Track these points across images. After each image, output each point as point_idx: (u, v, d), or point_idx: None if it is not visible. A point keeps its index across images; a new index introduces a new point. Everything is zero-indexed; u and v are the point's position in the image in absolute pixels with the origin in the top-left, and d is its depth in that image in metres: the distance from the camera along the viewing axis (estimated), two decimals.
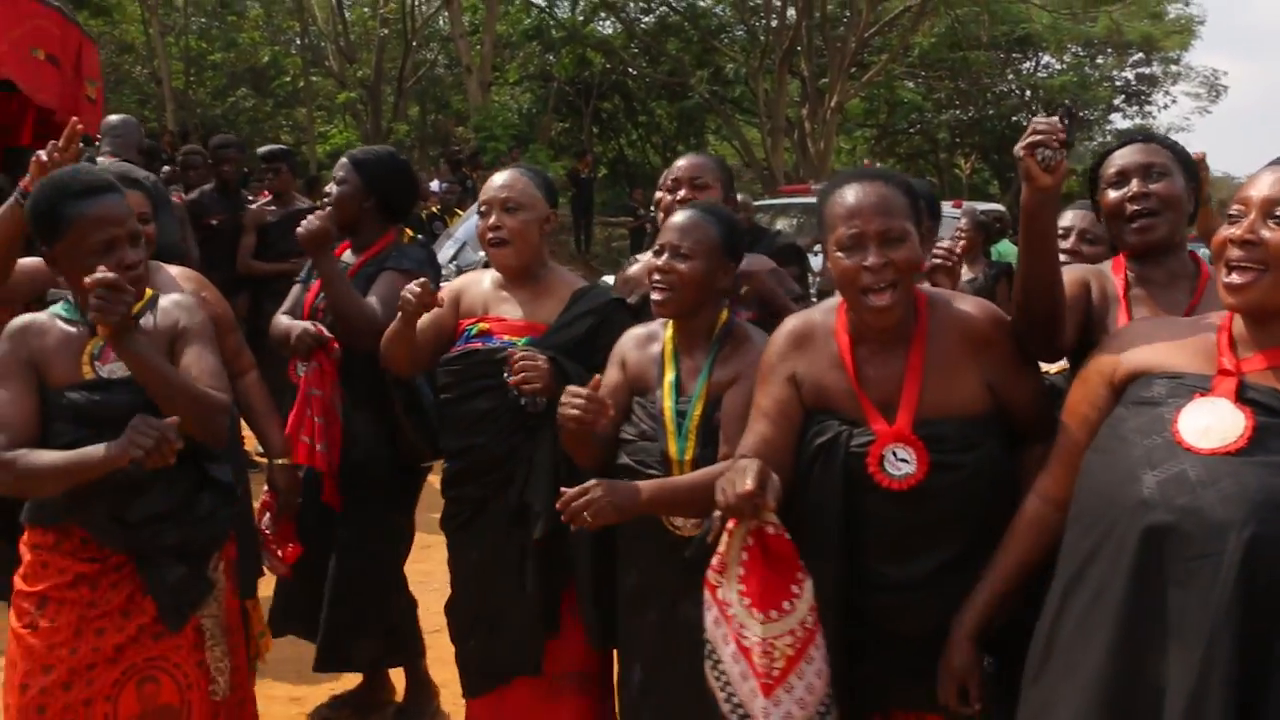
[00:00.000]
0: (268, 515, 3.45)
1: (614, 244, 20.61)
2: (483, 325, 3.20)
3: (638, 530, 2.76)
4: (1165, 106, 32.55)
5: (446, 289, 3.33)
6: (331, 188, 3.77)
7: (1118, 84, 30.40)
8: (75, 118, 3.16)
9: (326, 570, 3.58)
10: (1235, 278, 1.94)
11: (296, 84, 26.97)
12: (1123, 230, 2.57)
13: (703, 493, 2.45)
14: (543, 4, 25.07)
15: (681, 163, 3.49)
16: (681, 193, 3.36)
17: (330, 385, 3.57)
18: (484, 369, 3.12)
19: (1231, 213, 1.99)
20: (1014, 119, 30.29)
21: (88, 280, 2.35)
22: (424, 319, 3.16)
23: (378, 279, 3.60)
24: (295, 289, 3.89)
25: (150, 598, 2.57)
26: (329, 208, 3.70)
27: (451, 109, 26.90)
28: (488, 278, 3.33)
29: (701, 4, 25.56)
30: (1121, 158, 2.61)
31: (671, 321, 2.84)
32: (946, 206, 15.57)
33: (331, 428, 3.55)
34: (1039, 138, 2.13)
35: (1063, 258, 3.20)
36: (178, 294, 2.84)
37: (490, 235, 3.20)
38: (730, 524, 2.24)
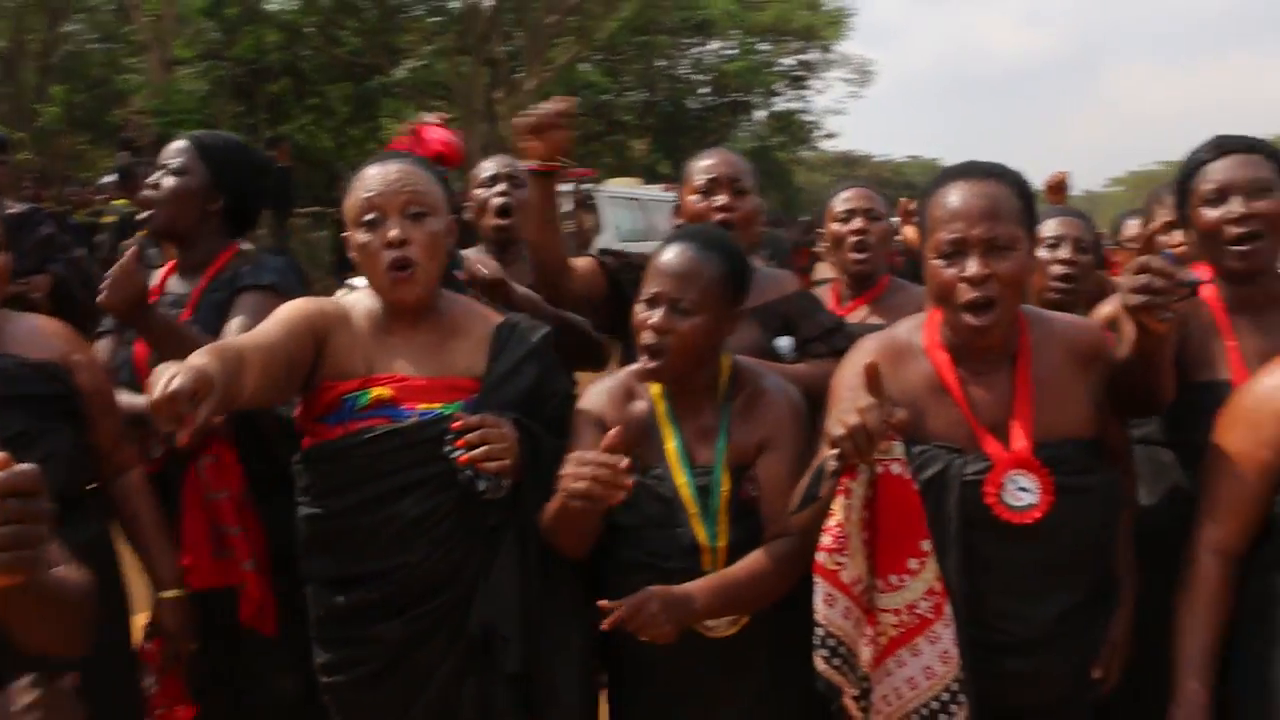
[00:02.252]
0: (150, 671, 2.61)
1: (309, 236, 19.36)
2: (379, 392, 2.29)
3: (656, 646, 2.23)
4: (821, 91, 34.71)
5: (302, 312, 2.35)
6: (162, 179, 2.86)
7: (778, 70, 31.93)
8: None
9: None
10: None
11: None
12: (1222, 253, 2.37)
13: (763, 584, 2.15)
14: None
15: (712, 160, 2.92)
16: (720, 198, 2.84)
17: (237, 480, 2.69)
18: (408, 457, 2.24)
19: None
20: (684, 101, 31.43)
21: None
22: (271, 348, 2.19)
23: (234, 304, 2.73)
24: (102, 344, 2.90)
25: None
26: (154, 207, 2.85)
27: (113, 87, 24.33)
28: (361, 313, 2.39)
29: None
30: (1221, 171, 2.39)
31: None
32: (657, 189, 15.91)
33: (254, 534, 2.69)
34: (1159, 301, 1.91)
35: (1060, 269, 3.21)
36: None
37: (390, 256, 2.27)
38: (844, 480, 1.94)
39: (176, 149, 2.91)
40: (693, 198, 2.89)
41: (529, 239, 2.84)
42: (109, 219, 9.10)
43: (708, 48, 30.89)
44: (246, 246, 2.99)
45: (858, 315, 3.20)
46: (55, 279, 4.53)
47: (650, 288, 2.29)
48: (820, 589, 2.00)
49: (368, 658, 2.30)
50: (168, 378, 1.76)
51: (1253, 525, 2.07)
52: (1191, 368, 2.37)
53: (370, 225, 2.29)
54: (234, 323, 2.66)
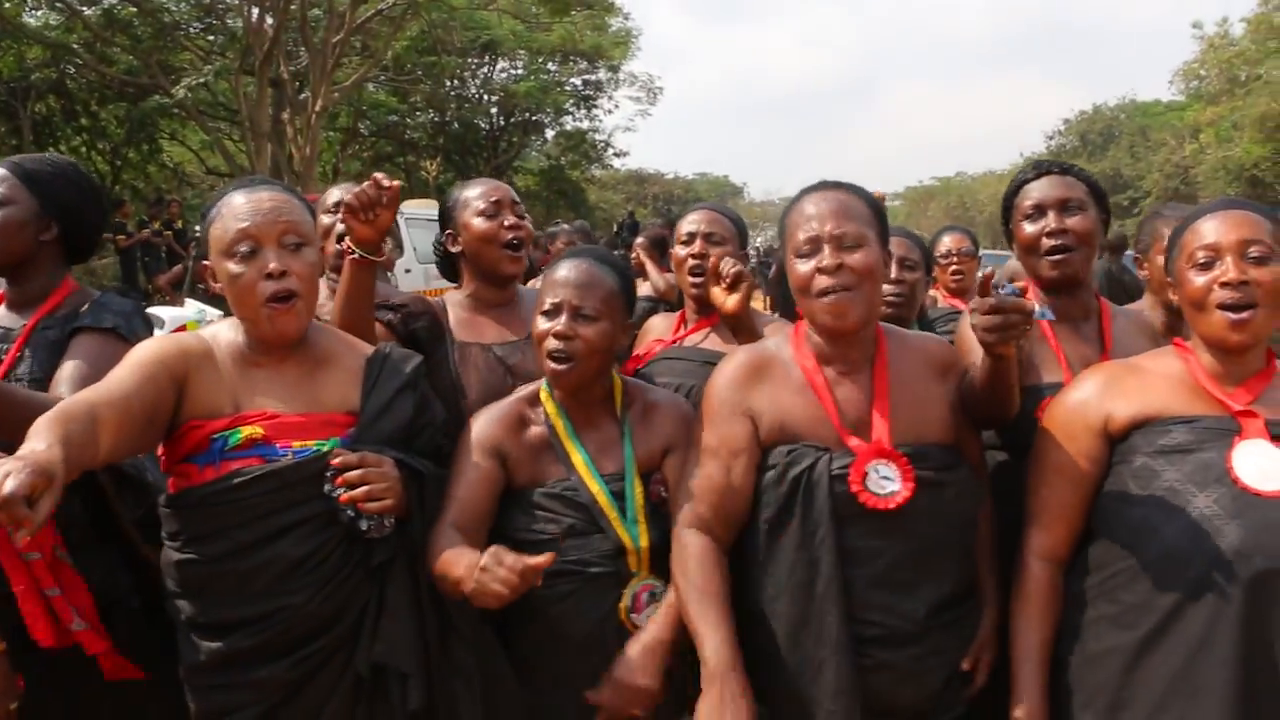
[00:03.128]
0: None
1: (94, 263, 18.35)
2: (251, 431, 2.18)
3: (587, 641, 2.33)
4: (610, 111, 35.13)
5: (158, 354, 2.20)
6: None
7: (567, 89, 32.24)
8: None
9: None
10: (1233, 316, 2.06)
11: None
12: (1038, 265, 2.61)
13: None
14: None
15: (695, 215, 3.23)
16: (696, 246, 3.13)
17: (49, 541, 2.42)
18: (287, 497, 2.15)
19: (1201, 261, 2.10)
20: (475, 121, 31.33)
21: None
22: (127, 396, 2.05)
23: (70, 346, 2.49)
24: None
25: None
26: None
27: None
28: (224, 347, 2.28)
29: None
30: (1038, 190, 2.63)
31: (550, 394, 2.47)
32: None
33: (74, 591, 2.45)
34: (1015, 333, 2.06)
35: (889, 288, 3.35)
36: None
37: (270, 289, 2.18)
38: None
39: None
40: (680, 251, 3.18)
41: (337, 324, 2.62)
42: None
43: (496, 68, 30.98)
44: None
45: (696, 338, 3.23)
46: None
47: (549, 299, 2.39)
48: None
49: (249, 702, 2.19)
50: (0, 476, 1.59)
51: (1075, 531, 2.23)
52: (1024, 373, 2.50)
53: (245, 257, 2.19)
54: (66, 369, 2.43)
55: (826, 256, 2.17)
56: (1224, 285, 2.07)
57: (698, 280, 3.09)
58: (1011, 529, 2.36)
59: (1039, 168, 2.70)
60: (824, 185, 2.30)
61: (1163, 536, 2.04)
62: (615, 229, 14.99)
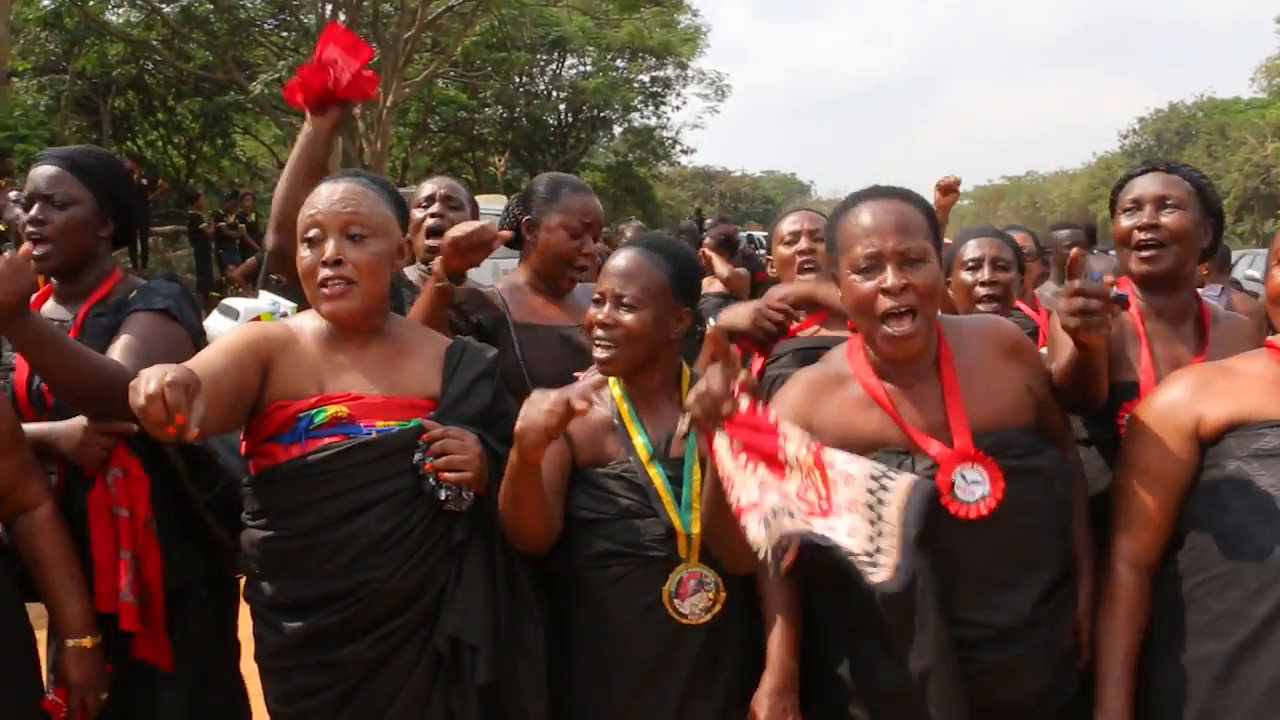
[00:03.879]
0: None
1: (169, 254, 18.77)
2: (336, 410, 2.23)
3: (633, 626, 2.31)
4: (677, 108, 35.17)
5: (244, 338, 2.28)
6: (48, 214, 2.58)
7: (635, 86, 32.30)
8: None
9: None
10: None
11: None
12: (1129, 258, 2.58)
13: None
14: None
15: (795, 216, 3.31)
16: (802, 244, 3.19)
17: (143, 498, 2.50)
18: (374, 471, 2.20)
19: None
20: (543, 117, 31.50)
21: None
22: (215, 376, 2.08)
23: (124, 323, 2.55)
24: None
25: None
26: (44, 244, 2.57)
27: None
28: (308, 333, 2.34)
29: None
30: (1139, 185, 2.60)
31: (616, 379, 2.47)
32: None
33: (148, 562, 2.51)
34: (1096, 320, 2.01)
35: (983, 291, 3.43)
36: None
37: (327, 275, 2.24)
38: (710, 440, 1.99)
39: (52, 177, 2.62)
40: (782, 250, 3.26)
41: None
42: None
43: (565, 64, 31.12)
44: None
45: (810, 331, 3.24)
46: None
47: (599, 288, 2.41)
48: (744, 521, 1.94)
49: (331, 682, 2.21)
50: (152, 377, 1.72)
51: (1165, 537, 2.14)
52: (1115, 370, 2.46)
53: (311, 242, 2.27)
54: (119, 343, 2.50)
55: (890, 276, 2.08)
56: None
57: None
58: (1095, 522, 2.33)
59: (1148, 164, 2.66)
60: (880, 192, 2.21)
61: (1258, 543, 1.96)
62: (679, 230, 15.07)
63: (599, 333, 2.39)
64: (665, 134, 34.23)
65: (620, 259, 2.42)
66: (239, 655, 2.91)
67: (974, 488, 2.10)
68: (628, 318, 2.35)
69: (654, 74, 32.30)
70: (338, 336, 2.32)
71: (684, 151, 36.43)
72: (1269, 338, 2.19)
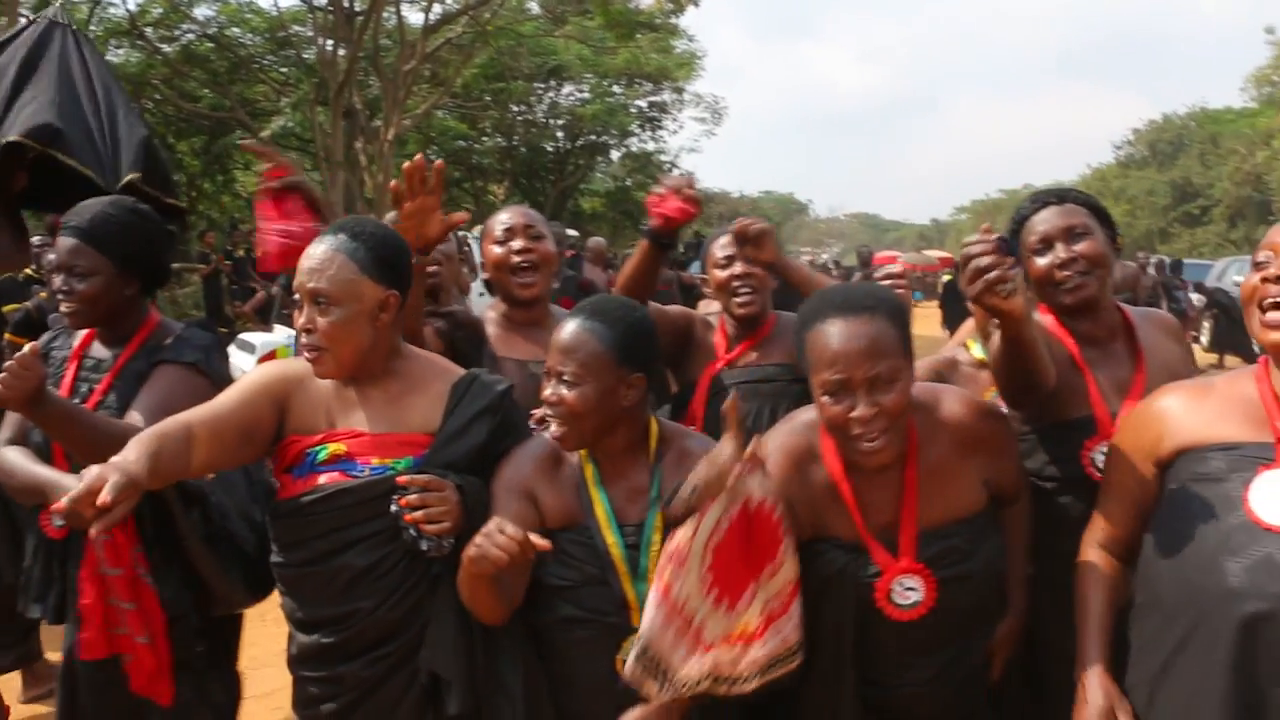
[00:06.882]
0: None
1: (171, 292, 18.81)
2: (335, 448, 2.35)
3: (600, 683, 2.29)
4: (674, 132, 35.34)
5: (259, 379, 2.43)
6: (73, 284, 2.75)
7: (633, 111, 32.49)
8: None
9: None
10: (1274, 315, 1.90)
11: None
12: (1056, 295, 2.57)
13: None
14: None
15: (725, 240, 3.30)
16: (737, 268, 3.26)
17: (129, 555, 2.69)
18: (356, 513, 2.31)
19: (1259, 259, 1.97)
20: (542, 145, 31.66)
21: None
22: (223, 417, 2.30)
23: (152, 376, 2.76)
24: (11, 416, 2.86)
25: None
26: (70, 304, 2.77)
27: None
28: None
29: (231, 32, 24.05)
30: (1042, 223, 2.57)
31: None
32: None
33: (147, 609, 2.70)
34: (992, 275, 2.01)
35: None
36: None
37: (303, 342, 2.35)
38: (704, 514, 2.02)
39: (71, 250, 2.76)
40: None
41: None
42: None
43: (563, 92, 31.28)
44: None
45: (746, 358, 3.32)
46: None
47: (547, 363, 2.36)
48: (652, 594, 2.06)
49: (334, 695, 2.39)
50: (93, 478, 1.88)
51: (1133, 551, 2.11)
52: (1060, 406, 2.51)
53: (297, 304, 2.38)
54: (141, 399, 2.69)
55: (861, 406, 2.10)
56: None
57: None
58: (1058, 559, 2.36)
59: (1036, 200, 2.65)
60: (850, 306, 2.15)
61: (1175, 569, 1.92)
62: (683, 249, 14.96)
63: (548, 410, 2.34)
64: (663, 158, 34.41)
65: (562, 331, 2.33)
66: (236, 658, 3.10)
67: (909, 593, 2.22)
68: (570, 394, 2.28)
69: (651, 99, 32.52)
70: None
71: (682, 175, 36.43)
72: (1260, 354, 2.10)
